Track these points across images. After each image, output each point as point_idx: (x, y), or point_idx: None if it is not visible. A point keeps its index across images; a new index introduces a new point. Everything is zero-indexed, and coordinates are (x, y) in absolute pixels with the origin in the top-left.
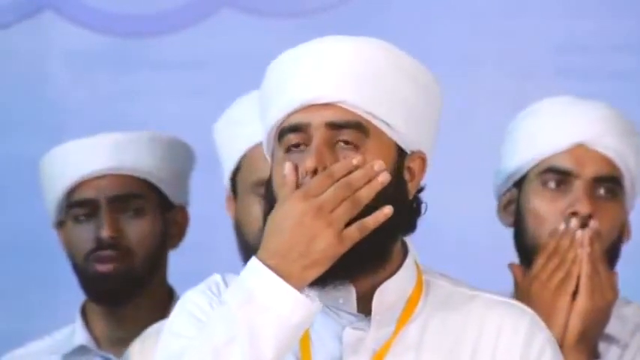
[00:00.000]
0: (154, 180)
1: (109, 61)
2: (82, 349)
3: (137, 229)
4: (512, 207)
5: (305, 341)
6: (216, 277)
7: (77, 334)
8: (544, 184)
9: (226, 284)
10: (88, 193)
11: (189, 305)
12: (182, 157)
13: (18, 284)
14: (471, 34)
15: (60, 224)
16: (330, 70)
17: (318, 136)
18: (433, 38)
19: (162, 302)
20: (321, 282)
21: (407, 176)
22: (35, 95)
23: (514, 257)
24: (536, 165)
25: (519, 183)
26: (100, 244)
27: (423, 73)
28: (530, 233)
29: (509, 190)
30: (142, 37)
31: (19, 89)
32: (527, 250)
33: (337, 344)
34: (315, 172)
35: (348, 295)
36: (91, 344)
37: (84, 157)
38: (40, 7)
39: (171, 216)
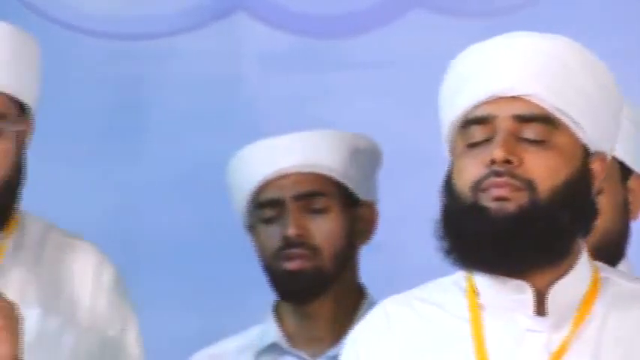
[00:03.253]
0: (338, 177)
1: (301, 62)
2: (274, 347)
3: (323, 227)
4: None
5: (480, 343)
6: (378, 311)
7: (269, 332)
8: None
9: (387, 317)
10: (273, 194)
11: (347, 349)
12: (367, 152)
13: (211, 285)
14: None
15: (251, 227)
16: (519, 64)
17: (504, 127)
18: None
19: (352, 301)
20: (493, 269)
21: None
22: (228, 95)
23: None
24: None
25: None
26: (287, 243)
27: (605, 73)
28: None
29: None
30: (333, 37)
31: (211, 88)
32: None
33: (514, 346)
34: (506, 162)
35: (525, 295)
36: (283, 342)
37: (266, 159)
38: (232, 8)
39: (358, 212)
